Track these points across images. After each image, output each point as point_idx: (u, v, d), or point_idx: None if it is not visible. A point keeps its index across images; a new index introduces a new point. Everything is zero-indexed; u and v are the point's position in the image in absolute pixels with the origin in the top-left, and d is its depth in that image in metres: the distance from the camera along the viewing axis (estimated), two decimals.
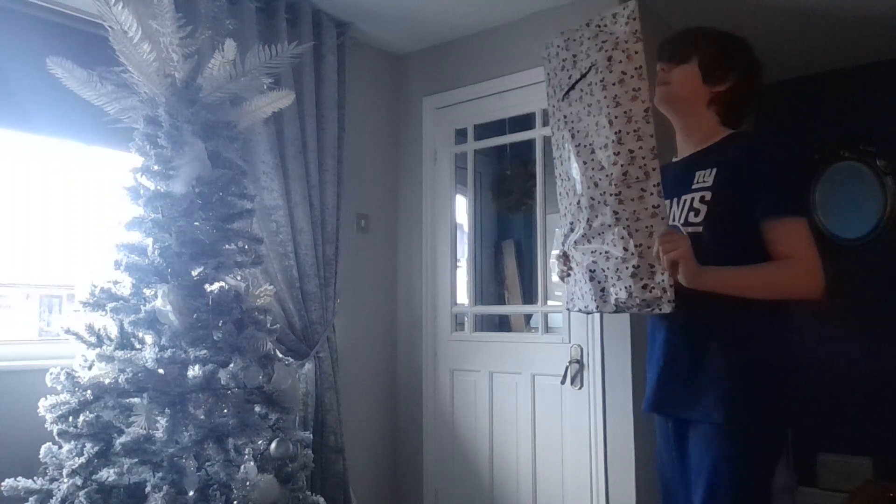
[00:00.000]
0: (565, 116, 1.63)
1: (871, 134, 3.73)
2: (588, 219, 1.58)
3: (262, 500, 1.83)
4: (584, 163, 1.56)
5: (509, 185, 4.06)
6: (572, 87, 1.58)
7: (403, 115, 3.56)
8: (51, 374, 1.87)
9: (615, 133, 1.48)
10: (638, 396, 2.71)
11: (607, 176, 1.50)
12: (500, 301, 4.13)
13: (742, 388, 1.49)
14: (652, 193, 1.47)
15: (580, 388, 2.86)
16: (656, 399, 1.64)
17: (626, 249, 1.50)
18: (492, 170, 4.11)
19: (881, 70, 3.72)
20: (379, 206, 3.48)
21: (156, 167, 1.96)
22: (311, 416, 2.84)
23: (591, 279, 1.60)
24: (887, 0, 3.01)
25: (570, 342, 2.90)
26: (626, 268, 1.50)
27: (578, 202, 1.60)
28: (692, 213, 1.56)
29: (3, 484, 1.83)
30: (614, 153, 1.48)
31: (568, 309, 1.79)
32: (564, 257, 1.73)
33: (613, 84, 1.48)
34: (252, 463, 1.88)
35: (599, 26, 1.52)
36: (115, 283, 1.96)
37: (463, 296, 3.44)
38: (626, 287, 1.51)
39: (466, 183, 3.46)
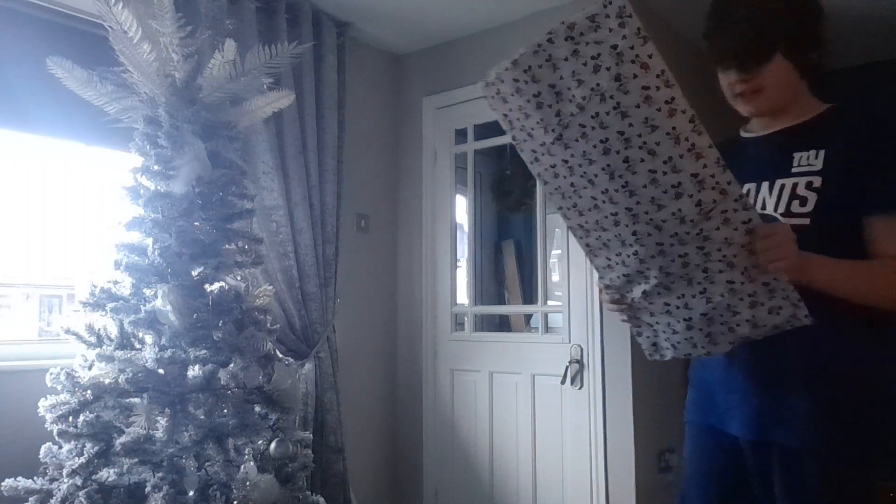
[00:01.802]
0: (565, 161, 1.29)
1: None
2: (662, 267, 1.30)
3: (262, 500, 1.83)
4: (629, 209, 1.26)
5: (509, 185, 4.06)
6: (566, 126, 1.24)
7: (403, 115, 3.56)
8: (51, 374, 1.87)
9: (664, 163, 1.18)
10: (638, 396, 2.72)
11: (673, 214, 1.22)
12: (500, 301, 4.13)
13: (844, 412, 1.31)
14: (737, 210, 1.19)
15: (580, 388, 2.86)
16: (760, 422, 1.36)
17: (730, 282, 1.26)
18: (492, 170, 4.11)
19: (881, 70, 3.72)
20: (379, 206, 3.48)
21: (156, 167, 1.96)
22: (311, 416, 2.84)
23: (690, 328, 1.36)
24: (887, 0, 3.01)
25: (570, 342, 2.90)
26: (741, 299, 1.26)
27: (636, 252, 1.32)
28: (796, 202, 1.34)
29: (3, 484, 1.83)
30: (673, 186, 1.19)
31: (657, 359, 1.48)
32: (629, 308, 1.43)
33: (637, 107, 1.15)
34: (252, 463, 1.88)
35: (574, 39, 1.16)
36: (115, 283, 1.96)
37: (463, 296, 3.44)
38: (748, 320, 1.28)
39: (466, 183, 3.46)
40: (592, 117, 1.20)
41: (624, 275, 1.38)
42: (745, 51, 1.34)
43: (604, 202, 1.29)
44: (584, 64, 1.17)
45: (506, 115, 1.35)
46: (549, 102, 1.24)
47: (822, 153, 1.34)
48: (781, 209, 1.35)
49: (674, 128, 1.16)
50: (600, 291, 1.49)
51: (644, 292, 1.36)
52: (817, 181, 1.32)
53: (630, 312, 1.43)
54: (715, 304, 1.29)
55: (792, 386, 1.33)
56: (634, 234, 1.29)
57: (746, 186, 1.40)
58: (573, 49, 1.17)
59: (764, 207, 1.38)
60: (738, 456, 1.43)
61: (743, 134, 1.53)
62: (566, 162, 1.30)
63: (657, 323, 1.41)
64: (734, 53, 1.35)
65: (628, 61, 1.13)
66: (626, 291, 1.41)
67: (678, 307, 1.34)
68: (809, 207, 1.32)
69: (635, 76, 1.14)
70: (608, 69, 1.15)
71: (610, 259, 1.39)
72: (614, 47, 1.14)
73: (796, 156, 1.37)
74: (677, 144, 1.16)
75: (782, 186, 1.36)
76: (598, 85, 1.17)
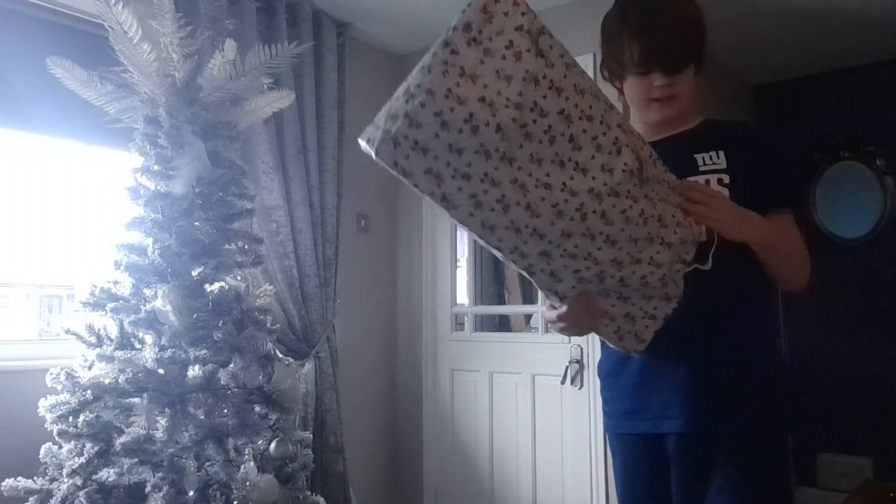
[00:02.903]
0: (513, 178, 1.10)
1: (871, 134, 3.73)
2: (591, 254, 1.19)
3: (262, 500, 1.83)
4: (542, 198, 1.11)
5: None
6: (508, 138, 1.06)
7: None
8: (51, 374, 1.87)
9: (602, 125, 1.14)
10: None
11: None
12: (500, 301, 4.12)
13: (778, 395, 1.41)
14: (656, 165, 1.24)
15: (580, 388, 2.85)
16: (703, 416, 1.38)
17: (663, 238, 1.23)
18: None
19: (881, 70, 3.72)
20: (379, 206, 3.48)
21: (156, 167, 1.96)
22: (311, 416, 2.84)
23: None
24: (887, 0, 3.02)
25: (569, 342, 2.90)
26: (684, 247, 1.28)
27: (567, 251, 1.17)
28: None
29: (3, 484, 1.83)
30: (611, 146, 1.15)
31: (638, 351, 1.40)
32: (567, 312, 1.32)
33: (565, 77, 1.09)
34: (252, 463, 1.88)
35: (476, 39, 1.03)
36: (115, 283, 1.96)
37: (463, 296, 3.44)
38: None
39: None
40: (531, 110, 1.07)
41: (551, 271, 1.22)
42: (673, 53, 1.37)
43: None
44: (504, 57, 1.04)
45: (429, 169, 1.05)
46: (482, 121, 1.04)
47: (722, 153, 1.42)
48: None
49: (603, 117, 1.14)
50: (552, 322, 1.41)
51: (582, 280, 1.24)
52: (726, 178, 1.40)
53: (572, 315, 1.32)
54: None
55: (730, 376, 1.39)
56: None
57: None
58: (483, 49, 1.03)
59: None
60: (665, 458, 1.45)
61: None
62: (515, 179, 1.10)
63: (613, 310, 1.32)
64: (663, 55, 1.37)
65: (545, 34, 1.07)
66: (553, 291, 1.27)
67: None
68: None
69: (551, 47, 1.08)
70: (528, 50, 1.05)
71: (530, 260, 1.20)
72: (519, 28, 1.05)
73: (698, 156, 1.43)
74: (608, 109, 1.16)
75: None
76: (526, 71, 1.05)
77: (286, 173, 2.82)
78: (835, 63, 3.78)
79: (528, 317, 3.80)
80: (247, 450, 1.91)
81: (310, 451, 2.17)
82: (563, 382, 2.89)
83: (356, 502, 2.96)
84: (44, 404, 1.85)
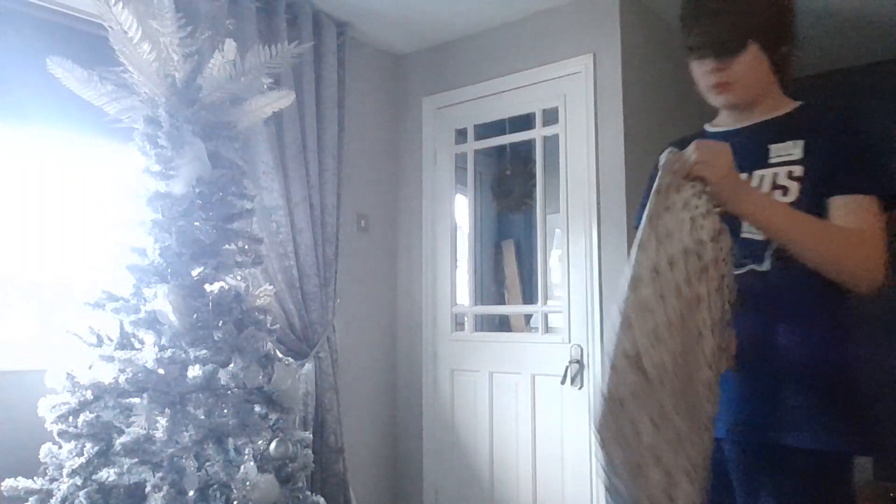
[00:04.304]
0: None
1: None
2: None
3: (262, 500, 1.83)
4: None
5: (509, 185, 4.06)
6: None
7: (403, 115, 3.56)
8: (51, 374, 1.87)
9: None
10: None
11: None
12: (500, 301, 4.13)
13: (839, 408, 1.31)
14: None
15: (580, 388, 2.85)
16: (753, 423, 1.32)
17: None
18: (492, 170, 4.11)
19: (881, 70, 3.72)
20: (379, 206, 3.48)
21: (156, 167, 1.96)
22: (311, 416, 2.84)
23: None
24: (887, 0, 3.02)
25: (570, 342, 2.90)
26: None
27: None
28: (778, 192, 1.33)
29: (3, 484, 1.83)
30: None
31: None
32: None
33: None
34: (252, 463, 1.88)
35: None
36: (116, 283, 1.96)
37: (463, 296, 3.44)
38: None
39: (466, 183, 3.46)
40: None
41: None
42: (722, 38, 1.33)
43: None
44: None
45: None
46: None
47: (800, 143, 1.34)
48: None
49: None
50: None
51: None
52: (798, 170, 1.32)
53: None
54: None
55: (783, 385, 1.31)
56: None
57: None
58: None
59: None
60: (722, 459, 1.39)
61: (709, 129, 1.52)
62: None
63: None
64: (711, 41, 1.34)
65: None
66: None
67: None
68: (792, 196, 1.31)
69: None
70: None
71: None
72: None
73: (773, 147, 1.37)
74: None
75: (762, 177, 1.36)
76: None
77: (286, 173, 2.82)
78: (835, 63, 3.78)
79: (528, 317, 3.81)
80: (247, 450, 1.91)
81: (310, 451, 2.17)
82: (563, 382, 2.89)
83: (356, 502, 2.96)
84: (44, 404, 1.85)
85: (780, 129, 1.38)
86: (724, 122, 1.50)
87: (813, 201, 1.29)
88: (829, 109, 1.38)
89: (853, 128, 1.34)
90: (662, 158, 1.23)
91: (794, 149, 1.34)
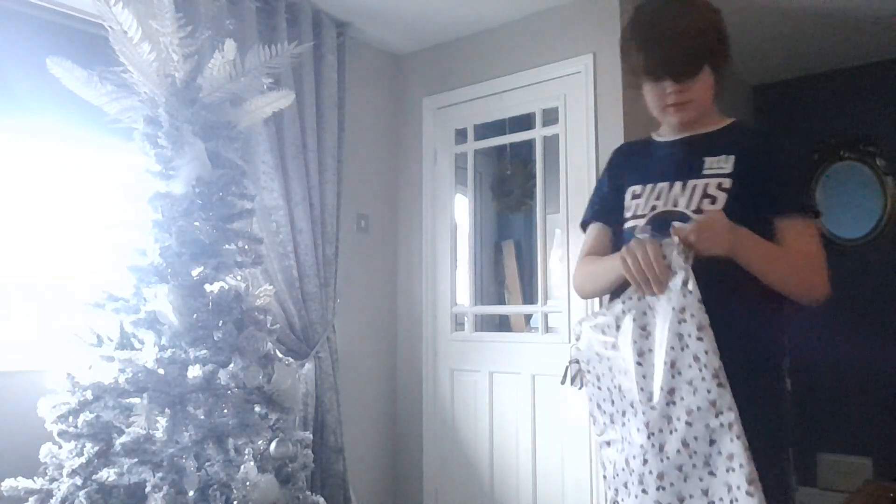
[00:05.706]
0: None
1: (871, 134, 3.73)
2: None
3: (262, 500, 1.83)
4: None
5: (509, 185, 4.06)
6: None
7: (403, 115, 3.56)
8: (51, 374, 1.87)
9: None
10: None
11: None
12: (500, 301, 4.13)
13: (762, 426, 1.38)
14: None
15: (580, 389, 2.85)
16: None
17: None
18: (492, 170, 4.11)
19: (881, 70, 3.72)
20: (379, 206, 3.48)
21: (156, 167, 1.96)
22: (311, 416, 2.84)
23: None
24: (887, 0, 3.02)
25: (570, 342, 2.89)
26: None
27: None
28: (707, 201, 1.44)
29: (3, 484, 1.83)
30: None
31: None
32: None
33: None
34: (252, 463, 1.88)
35: None
36: (116, 283, 1.96)
37: (463, 296, 3.44)
38: None
39: (466, 183, 3.46)
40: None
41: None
42: (683, 61, 1.43)
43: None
44: None
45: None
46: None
47: (731, 158, 1.45)
48: (693, 206, 1.46)
49: None
50: None
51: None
52: (727, 182, 1.43)
53: None
54: None
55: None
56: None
57: (660, 185, 1.50)
58: None
59: (676, 205, 1.48)
60: None
61: (655, 138, 1.63)
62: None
63: None
64: (671, 63, 1.43)
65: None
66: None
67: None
68: (719, 206, 1.42)
69: None
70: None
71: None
72: None
73: (707, 160, 1.47)
74: None
75: (694, 186, 1.46)
76: None
77: (286, 173, 2.82)
78: (835, 63, 3.79)
79: (528, 317, 3.81)
80: (247, 450, 1.91)
81: (310, 451, 2.17)
82: (563, 382, 2.88)
83: (356, 502, 2.96)
84: (44, 404, 1.84)
85: (714, 143, 1.50)
86: (666, 133, 1.61)
87: (738, 212, 1.38)
88: (756, 130, 1.53)
89: (777, 148, 1.48)
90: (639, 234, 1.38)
91: (725, 163, 1.46)
